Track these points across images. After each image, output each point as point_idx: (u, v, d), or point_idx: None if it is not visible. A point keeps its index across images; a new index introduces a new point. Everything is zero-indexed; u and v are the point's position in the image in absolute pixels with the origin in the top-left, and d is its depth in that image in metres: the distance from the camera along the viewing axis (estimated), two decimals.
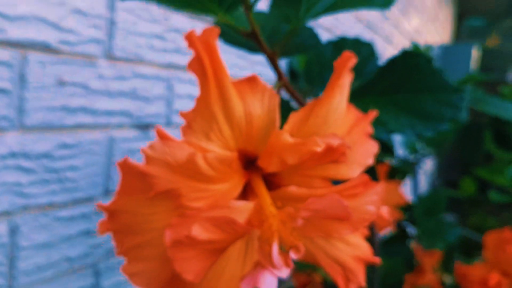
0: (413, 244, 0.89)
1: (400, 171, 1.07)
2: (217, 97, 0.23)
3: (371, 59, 0.38)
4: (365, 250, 0.25)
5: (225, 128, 0.23)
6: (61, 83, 0.43)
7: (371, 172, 0.38)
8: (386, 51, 1.46)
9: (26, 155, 0.40)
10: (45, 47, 0.41)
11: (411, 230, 0.93)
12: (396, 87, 0.31)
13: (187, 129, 0.23)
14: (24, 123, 0.40)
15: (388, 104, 0.31)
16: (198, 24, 0.60)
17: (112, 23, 0.47)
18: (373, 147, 0.25)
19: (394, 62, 0.31)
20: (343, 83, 0.24)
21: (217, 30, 0.21)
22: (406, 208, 0.92)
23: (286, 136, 0.22)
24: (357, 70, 0.36)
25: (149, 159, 0.21)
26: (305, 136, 0.23)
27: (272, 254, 0.20)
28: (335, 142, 0.21)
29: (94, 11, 0.45)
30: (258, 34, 0.28)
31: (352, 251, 0.25)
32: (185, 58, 0.58)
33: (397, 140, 1.31)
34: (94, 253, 0.49)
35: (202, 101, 0.23)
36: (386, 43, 1.45)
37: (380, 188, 0.24)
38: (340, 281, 0.25)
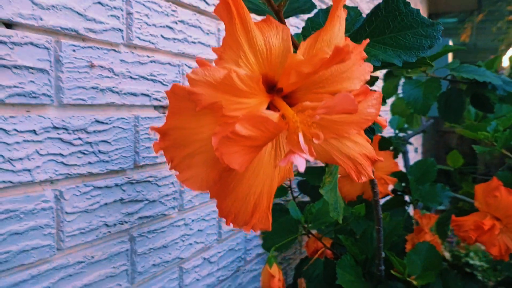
0: (411, 209, 0.95)
1: (393, 148, 1.13)
2: (242, 31, 0.28)
3: (358, 18, 0.44)
4: (370, 149, 0.31)
5: (250, 56, 0.29)
6: (91, 66, 0.48)
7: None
8: None
9: (65, 129, 0.46)
10: (75, 34, 0.46)
11: (407, 198, 0.99)
12: (382, 29, 0.37)
13: (219, 60, 0.29)
14: (62, 100, 0.45)
15: (377, 43, 0.37)
16: (201, 17, 0.66)
17: (129, 14, 0.53)
18: (369, 67, 0.31)
19: (378, 8, 0.37)
20: (341, 14, 0.30)
21: None
22: (401, 180, 0.98)
23: (300, 56, 0.28)
24: (349, 27, 0.43)
25: (193, 82, 0.26)
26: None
27: (300, 142, 0.26)
28: (340, 44, 0.26)
29: (113, 3, 0.51)
30: None
31: (360, 149, 0.30)
32: (192, 48, 0.64)
33: (387, 120, 1.37)
34: (129, 221, 0.55)
35: (230, 37, 0.28)
36: None
37: (378, 94, 0.30)
38: (353, 174, 0.30)
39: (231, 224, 0.30)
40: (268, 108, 0.30)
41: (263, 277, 0.71)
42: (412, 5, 0.36)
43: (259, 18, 0.37)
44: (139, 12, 0.55)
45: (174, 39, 0.61)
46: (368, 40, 0.32)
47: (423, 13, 3.25)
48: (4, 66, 0.40)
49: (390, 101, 1.36)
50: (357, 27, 0.40)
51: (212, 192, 0.30)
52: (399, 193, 1.02)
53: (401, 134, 1.29)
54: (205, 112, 0.28)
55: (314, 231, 0.84)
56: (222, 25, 0.71)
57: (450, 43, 3.18)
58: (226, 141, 0.26)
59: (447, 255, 1.91)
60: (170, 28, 0.61)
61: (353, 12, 0.46)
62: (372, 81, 0.49)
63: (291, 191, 0.95)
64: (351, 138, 0.30)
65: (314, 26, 0.47)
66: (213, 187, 0.29)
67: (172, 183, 0.62)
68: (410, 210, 1.11)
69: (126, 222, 0.54)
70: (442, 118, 0.87)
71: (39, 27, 0.43)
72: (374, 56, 0.35)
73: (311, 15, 0.45)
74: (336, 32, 0.30)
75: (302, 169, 0.25)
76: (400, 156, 1.29)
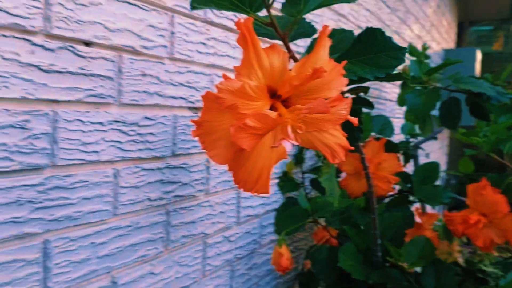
0: (413, 208, 1.05)
1: (404, 154, 1.24)
2: (254, 55, 0.42)
3: (352, 39, 0.57)
4: (343, 140, 0.43)
5: (259, 72, 0.42)
6: (143, 75, 0.63)
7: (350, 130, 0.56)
8: None
9: (123, 122, 0.60)
10: (132, 50, 0.61)
11: (411, 198, 1.09)
12: (362, 52, 0.49)
13: (237, 75, 0.42)
14: (122, 100, 0.60)
15: (359, 62, 0.49)
16: (229, 34, 0.80)
17: (172, 33, 0.67)
18: (344, 81, 0.43)
19: (360, 35, 0.50)
20: (325, 43, 0.43)
21: (252, 19, 0.41)
22: (406, 180, 1.09)
23: (293, 73, 0.41)
24: (344, 46, 0.55)
25: (219, 90, 0.40)
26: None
27: (288, 132, 0.39)
28: (320, 68, 0.39)
29: (161, 25, 0.65)
30: (275, 22, 0.47)
31: (335, 139, 0.43)
32: (221, 60, 0.78)
33: (398, 126, 1.47)
34: (166, 198, 0.68)
35: (245, 59, 0.42)
36: None
37: (348, 100, 0.42)
38: (328, 157, 0.43)
39: (242, 189, 0.43)
40: (271, 109, 0.43)
41: (273, 256, 0.84)
42: (440, 15, 0.49)
43: (272, 41, 0.51)
44: (180, 31, 0.69)
45: (207, 53, 0.75)
46: (346, 62, 0.44)
47: (453, 21, 3.30)
48: (84, 74, 0.54)
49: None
50: (347, 48, 0.53)
51: (229, 166, 0.43)
52: (404, 193, 1.13)
53: (411, 140, 1.39)
54: (226, 111, 0.41)
55: (321, 221, 0.96)
56: None
57: (478, 53, 3.21)
58: (239, 130, 0.39)
59: (460, 260, 1.97)
60: (204, 44, 0.75)
61: (348, 35, 0.59)
62: (362, 91, 0.61)
63: (303, 188, 1.08)
64: (329, 131, 0.43)
65: (312, 47, 0.60)
66: (230, 162, 0.42)
67: (201, 170, 0.76)
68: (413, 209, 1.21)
69: (164, 199, 0.68)
70: (442, 125, 0.98)
71: (108, 45, 0.57)
72: (354, 72, 0.48)
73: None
74: (321, 55, 0.43)
75: (288, 149, 0.38)
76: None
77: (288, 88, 0.41)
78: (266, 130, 0.40)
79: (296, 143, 0.39)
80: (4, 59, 0.46)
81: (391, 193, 1.05)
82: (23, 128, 0.48)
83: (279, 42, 0.49)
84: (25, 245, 0.50)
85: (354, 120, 0.45)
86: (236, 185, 0.43)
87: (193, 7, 0.49)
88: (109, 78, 0.58)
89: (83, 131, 0.55)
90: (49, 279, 0.52)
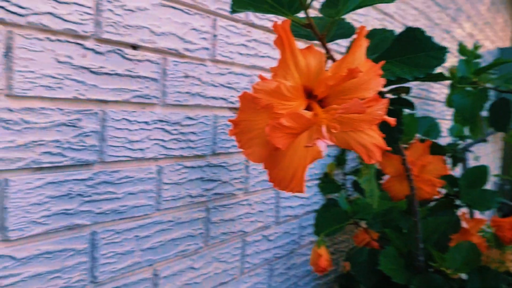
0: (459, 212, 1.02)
1: (452, 157, 1.19)
2: (290, 56, 0.42)
3: (393, 38, 0.56)
4: (379, 140, 0.43)
5: (295, 73, 0.43)
6: (186, 76, 0.65)
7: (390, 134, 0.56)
8: None
9: (167, 122, 0.63)
10: (176, 52, 0.63)
11: (458, 203, 1.05)
12: (402, 52, 0.49)
13: (274, 75, 0.43)
14: (165, 101, 0.62)
15: (397, 62, 0.49)
16: (270, 35, 0.81)
17: (214, 36, 0.69)
18: (382, 81, 0.43)
19: (400, 35, 0.49)
20: (361, 43, 0.43)
21: (289, 21, 0.41)
22: (453, 184, 1.05)
23: (329, 73, 0.42)
24: (385, 46, 0.55)
25: (256, 90, 0.41)
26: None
27: (322, 131, 0.39)
28: (356, 68, 0.39)
29: (203, 28, 0.67)
30: (313, 24, 0.47)
31: (371, 139, 0.43)
32: (261, 61, 0.79)
33: (448, 128, 1.42)
34: (206, 195, 0.71)
35: (282, 60, 0.43)
36: None
37: (385, 101, 0.42)
38: (364, 157, 0.43)
39: (277, 187, 0.44)
40: (307, 109, 0.44)
41: (312, 256, 0.84)
42: (494, 12, 0.48)
43: (310, 42, 0.51)
44: (222, 34, 0.71)
45: (248, 54, 0.77)
46: (383, 62, 0.44)
47: (510, 19, 3.13)
48: (131, 76, 0.57)
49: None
50: (386, 48, 0.52)
51: (265, 165, 0.44)
52: (451, 197, 1.09)
53: (460, 142, 1.34)
54: (262, 111, 0.42)
55: (362, 224, 0.95)
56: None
57: None
58: (274, 129, 0.40)
59: None
60: (245, 45, 0.76)
61: (389, 34, 0.58)
62: (403, 91, 0.61)
63: (345, 189, 1.07)
64: (365, 132, 0.43)
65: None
66: (265, 161, 0.43)
67: (240, 169, 0.77)
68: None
69: (204, 196, 0.70)
70: (491, 127, 0.94)
71: (153, 48, 0.60)
72: (392, 72, 0.47)
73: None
74: (357, 56, 0.43)
75: (322, 149, 0.38)
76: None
77: (324, 88, 0.42)
78: (301, 129, 0.41)
79: (330, 143, 0.39)
80: (59, 62, 0.49)
81: (436, 196, 1.02)
82: (74, 126, 0.52)
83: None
84: (75, 236, 0.53)
85: (391, 120, 0.45)
86: (271, 182, 0.44)
87: (233, 11, 0.50)
88: (154, 79, 0.61)
89: (130, 130, 0.58)
90: (96, 269, 0.56)
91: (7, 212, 0.46)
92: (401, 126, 0.57)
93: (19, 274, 0.48)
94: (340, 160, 1.07)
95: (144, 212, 0.61)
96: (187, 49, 0.65)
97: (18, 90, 0.46)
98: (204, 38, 0.68)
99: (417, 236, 0.79)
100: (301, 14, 0.49)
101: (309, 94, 0.44)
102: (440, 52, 0.47)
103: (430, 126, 1.15)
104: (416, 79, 0.46)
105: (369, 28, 1.12)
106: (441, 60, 0.46)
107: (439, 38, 1.75)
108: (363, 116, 0.42)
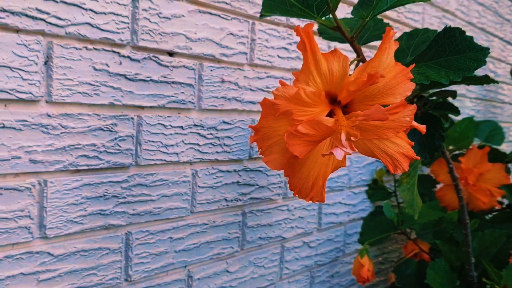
0: None
1: None
2: (312, 61, 0.41)
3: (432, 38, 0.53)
4: (407, 149, 0.40)
5: (317, 78, 0.41)
6: (222, 81, 0.66)
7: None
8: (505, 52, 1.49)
9: (202, 126, 0.64)
10: (213, 58, 0.64)
11: None
12: (440, 53, 0.46)
13: (296, 81, 0.42)
14: (201, 106, 0.63)
15: (434, 64, 0.45)
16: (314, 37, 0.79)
17: (252, 40, 0.69)
18: (411, 86, 0.40)
19: (439, 36, 0.46)
20: (388, 46, 0.40)
21: (312, 25, 0.40)
22: None
23: (351, 78, 0.40)
24: (424, 44, 0.51)
25: (275, 96, 0.40)
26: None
27: (341, 139, 0.37)
28: (377, 73, 0.37)
29: (241, 33, 0.68)
30: (341, 26, 0.45)
31: (397, 148, 0.40)
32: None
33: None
34: (242, 199, 0.71)
35: (304, 65, 0.41)
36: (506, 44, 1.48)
37: (412, 107, 0.39)
38: (390, 167, 0.40)
39: (297, 196, 0.43)
40: (330, 115, 0.42)
41: (354, 266, 0.81)
42: None
43: (342, 45, 0.49)
44: (261, 38, 0.71)
45: (288, 57, 0.76)
46: (413, 65, 0.41)
47: None
48: (166, 82, 0.59)
49: None
50: (423, 49, 0.49)
51: (285, 172, 0.43)
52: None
53: None
54: (282, 117, 0.41)
55: (412, 233, 0.90)
56: (332, 44, 0.83)
57: None
58: (292, 136, 0.39)
59: None
60: (286, 48, 0.75)
61: (431, 34, 0.54)
62: (450, 95, 0.56)
63: (395, 197, 1.02)
64: (390, 139, 0.40)
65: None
66: (285, 168, 0.42)
67: (279, 174, 0.76)
68: None
69: (240, 200, 0.70)
70: None
71: (189, 54, 0.61)
72: (427, 76, 0.44)
73: None
74: (384, 60, 0.40)
75: (339, 157, 0.37)
76: None
77: (345, 94, 0.40)
78: (320, 137, 0.40)
79: (350, 151, 0.38)
80: (95, 69, 0.52)
81: (496, 207, 0.94)
82: (110, 130, 0.54)
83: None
84: (110, 235, 0.56)
85: (422, 128, 0.42)
86: (290, 190, 0.43)
87: (262, 15, 0.50)
88: (189, 85, 0.62)
89: (165, 134, 0.60)
90: (130, 268, 0.58)
91: (45, 211, 0.49)
92: (442, 133, 0.53)
93: (55, 270, 0.51)
94: None
95: (178, 215, 0.63)
96: (224, 54, 0.66)
97: (56, 97, 0.49)
98: (241, 43, 0.68)
99: (468, 250, 0.73)
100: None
101: (333, 100, 0.43)
102: (480, 53, 0.43)
103: (493, 131, 1.06)
104: (453, 83, 0.43)
105: (426, 26, 1.07)
106: (481, 62, 0.42)
107: (511, 35, 1.62)
108: (387, 123, 0.40)
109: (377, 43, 0.79)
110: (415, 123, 0.41)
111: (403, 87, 0.40)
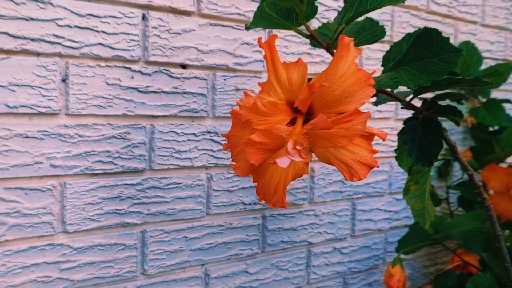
0: None
1: None
2: (272, 72, 0.42)
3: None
4: (365, 157, 0.39)
5: (277, 88, 0.42)
6: (237, 89, 0.69)
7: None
8: None
9: (215, 133, 0.67)
10: (226, 67, 0.67)
11: None
12: (418, 56, 0.43)
13: (260, 91, 0.43)
14: (215, 113, 0.67)
15: (411, 68, 0.43)
16: None
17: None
18: (369, 93, 0.39)
19: (418, 37, 0.44)
20: (345, 54, 0.40)
21: (275, 36, 0.42)
22: None
23: (305, 86, 0.40)
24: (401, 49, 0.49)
25: (239, 106, 0.42)
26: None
27: (288, 148, 0.38)
28: (316, 83, 0.37)
29: (256, 41, 0.70)
30: (314, 34, 0.46)
31: (354, 156, 0.39)
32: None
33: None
34: (261, 203, 0.73)
35: (268, 76, 0.43)
36: None
37: (366, 115, 0.38)
38: (345, 175, 0.40)
39: (263, 201, 0.44)
40: (292, 123, 0.43)
41: (385, 275, 0.78)
42: None
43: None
44: (279, 45, 0.72)
45: (312, 62, 0.76)
46: (374, 71, 0.40)
47: None
48: (178, 93, 0.64)
49: None
50: (403, 53, 0.47)
51: (252, 178, 0.45)
52: None
53: None
54: (245, 126, 0.43)
55: (453, 243, 0.83)
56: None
57: None
58: (247, 145, 0.41)
59: None
60: (308, 53, 0.76)
61: (434, 34, 0.51)
62: (457, 97, 0.53)
63: (448, 203, 0.95)
64: (346, 147, 0.40)
65: (396, 50, 0.54)
66: (252, 174, 0.44)
67: (303, 179, 0.77)
68: None
69: (259, 204, 0.73)
70: None
71: (200, 65, 0.65)
72: (396, 81, 0.42)
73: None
74: (341, 67, 0.40)
75: (283, 166, 0.38)
76: None
77: (297, 103, 0.40)
78: (274, 145, 0.41)
79: (298, 159, 0.38)
80: (108, 84, 0.58)
81: None
82: (124, 138, 0.60)
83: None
84: (126, 233, 0.62)
85: (382, 135, 0.40)
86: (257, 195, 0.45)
87: (247, 27, 0.52)
88: (202, 94, 0.66)
89: (177, 141, 0.65)
90: (145, 263, 0.64)
91: (65, 210, 0.57)
92: (442, 139, 0.49)
93: (75, 261, 0.58)
94: (442, 171, 0.95)
95: (193, 216, 0.67)
96: (238, 63, 0.69)
97: (73, 110, 0.56)
98: (258, 51, 0.70)
99: (506, 265, 0.66)
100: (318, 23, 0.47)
101: (297, 109, 0.43)
102: (454, 55, 0.39)
103: None
104: (424, 89, 0.41)
105: (487, 21, 0.99)
106: (453, 65, 0.39)
107: None
108: (340, 131, 0.39)
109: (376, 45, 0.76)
110: (375, 131, 0.40)
111: (361, 94, 0.40)
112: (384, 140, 0.40)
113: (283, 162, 0.38)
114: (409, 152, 0.50)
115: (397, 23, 0.86)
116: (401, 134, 0.53)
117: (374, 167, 0.40)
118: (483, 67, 0.95)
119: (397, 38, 0.86)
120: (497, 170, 0.81)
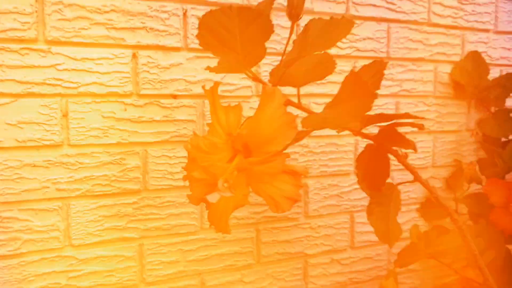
0: None
1: None
2: (214, 114, 0.48)
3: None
4: (289, 191, 0.44)
5: (218, 129, 0.48)
6: (174, 98, 0.74)
7: None
8: None
9: None
10: None
11: None
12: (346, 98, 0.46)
13: (208, 131, 0.49)
14: None
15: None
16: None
17: (258, 73, 0.76)
18: (291, 134, 0.43)
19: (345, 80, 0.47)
20: (268, 101, 0.44)
21: (219, 83, 0.47)
22: None
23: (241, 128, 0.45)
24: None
25: (190, 144, 0.48)
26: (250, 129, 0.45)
27: (218, 184, 0.43)
28: (236, 132, 0.42)
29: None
30: (259, 77, 0.50)
31: (278, 191, 0.44)
32: (324, 87, 0.80)
33: None
34: (255, 217, 0.78)
35: (211, 118, 0.48)
36: None
37: (284, 155, 0.43)
38: (272, 207, 0.44)
39: (213, 227, 0.50)
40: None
41: None
42: None
43: None
44: (266, 70, 0.77)
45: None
46: (297, 115, 0.44)
47: None
48: (168, 120, 0.71)
49: None
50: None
51: (206, 207, 0.50)
52: None
53: None
54: (194, 162, 0.49)
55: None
56: (358, 63, 0.83)
57: None
58: (190, 180, 0.47)
59: None
60: None
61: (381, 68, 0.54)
62: (416, 126, 0.54)
63: (457, 215, 0.93)
64: (272, 183, 0.44)
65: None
66: (204, 203, 0.50)
67: None
68: None
69: (252, 218, 0.78)
70: None
71: (189, 94, 0.72)
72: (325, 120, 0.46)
73: None
74: (267, 112, 0.44)
75: (212, 200, 0.43)
76: None
77: (233, 143, 0.46)
78: (213, 180, 0.46)
79: (228, 195, 0.43)
80: (104, 117, 0.67)
81: None
82: (119, 163, 0.69)
83: None
84: (124, 246, 0.70)
85: (304, 172, 0.44)
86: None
87: (210, 70, 0.57)
88: (191, 121, 0.72)
89: (170, 164, 0.72)
90: (144, 273, 0.72)
91: (71, 226, 0.66)
92: (388, 167, 0.52)
93: (81, 270, 0.68)
94: (450, 183, 0.94)
95: (188, 230, 0.74)
96: (227, 90, 0.74)
97: (74, 141, 0.65)
98: (245, 78, 0.75)
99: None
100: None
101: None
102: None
103: None
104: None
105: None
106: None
107: None
108: (265, 169, 0.44)
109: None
110: (295, 168, 0.44)
111: (284, 136, 0.44)
112: (301, 176, 0.44)
113: (213, 197, 0.44)
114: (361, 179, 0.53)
115: (394, 39, 0.87)
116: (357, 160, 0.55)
117: (297, 201, 0.44)
118: (496, 75, 0.92)
119: (394, 54, 0.87)
120: (499, 184, 0.79)
